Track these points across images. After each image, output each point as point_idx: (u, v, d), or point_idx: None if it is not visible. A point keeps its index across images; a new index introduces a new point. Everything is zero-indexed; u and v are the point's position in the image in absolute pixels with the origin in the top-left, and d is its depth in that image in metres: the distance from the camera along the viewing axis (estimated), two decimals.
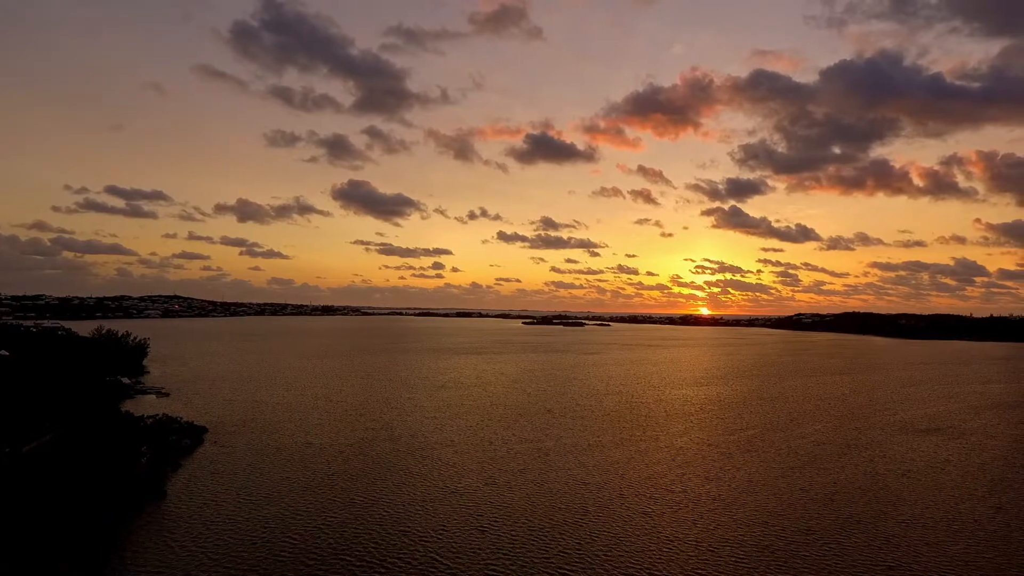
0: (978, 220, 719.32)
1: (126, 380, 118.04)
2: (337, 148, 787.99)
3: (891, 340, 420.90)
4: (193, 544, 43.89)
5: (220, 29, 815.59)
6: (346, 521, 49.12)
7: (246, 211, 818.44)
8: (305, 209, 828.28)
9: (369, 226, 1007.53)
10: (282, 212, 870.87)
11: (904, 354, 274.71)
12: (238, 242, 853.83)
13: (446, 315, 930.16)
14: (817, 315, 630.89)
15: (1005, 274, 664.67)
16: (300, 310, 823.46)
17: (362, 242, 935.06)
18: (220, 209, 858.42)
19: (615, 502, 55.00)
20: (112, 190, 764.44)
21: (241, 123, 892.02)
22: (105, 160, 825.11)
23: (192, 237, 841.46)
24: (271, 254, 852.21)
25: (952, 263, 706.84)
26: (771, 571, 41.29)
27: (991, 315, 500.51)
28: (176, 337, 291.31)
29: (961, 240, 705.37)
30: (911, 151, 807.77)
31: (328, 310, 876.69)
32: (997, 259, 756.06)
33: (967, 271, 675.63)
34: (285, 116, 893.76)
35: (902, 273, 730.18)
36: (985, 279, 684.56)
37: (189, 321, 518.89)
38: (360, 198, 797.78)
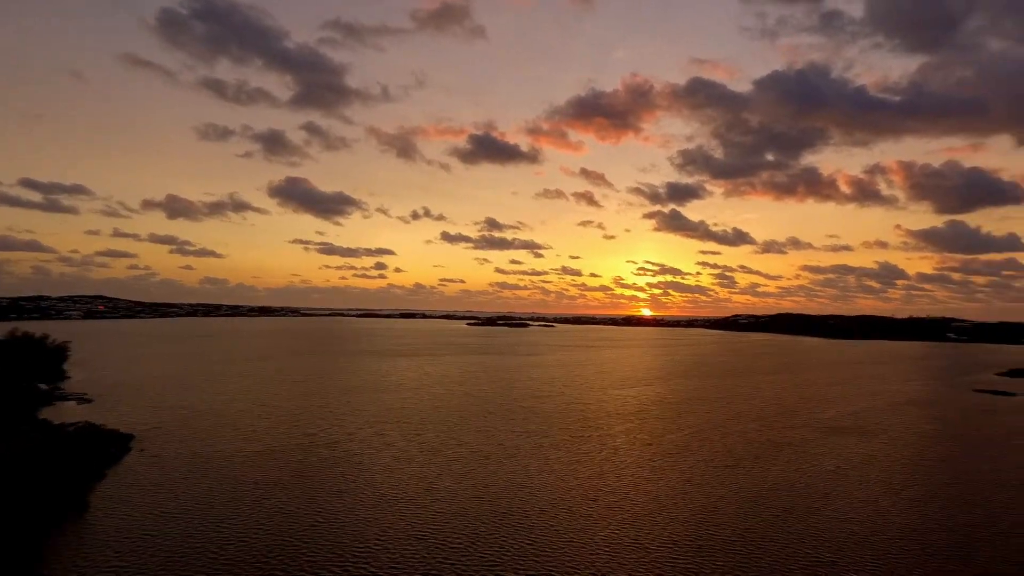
0: (899, 226, 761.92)
1: (43, 386, 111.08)
2: (273, 144, 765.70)
3: (821, 340, 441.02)
4: (116, 558, 41.50)
5: (146, 16, 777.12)
6: (279, 532, 47.47)
7: (176, 207, 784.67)
8: (240, 206, 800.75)
9: (308, 225, 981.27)
10: (215, 209, 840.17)
11: (832, 354, 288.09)
12: (167, 240, 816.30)
13: (389, 316, 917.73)
14: (753, 316, 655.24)
15: (923, 277, 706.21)
16: (236, 311, 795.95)
17: (301, 241, 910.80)
18: (147, 205, 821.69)
19: (556, 505, 55.22)
20: (28, 183, 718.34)
21: (170, 115, 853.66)
22: (20, 151, 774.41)
23: (117, 234, 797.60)
24: (204, 253, 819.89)
25: (876, 266, 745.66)
26: (708, 566, 42.25)
27: (910, 316, 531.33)
28: (100, 339, 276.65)
29: (884, 245, 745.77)
30: (839, 159, 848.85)
31: (265, 311, 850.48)
32: (916, 263, 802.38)
33: (889, 274, 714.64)
34: (217, 109, 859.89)
35: (830, 276, 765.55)
36: (905, 282, 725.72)
37: (114, 323, 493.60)
38: (298, 196, 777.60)
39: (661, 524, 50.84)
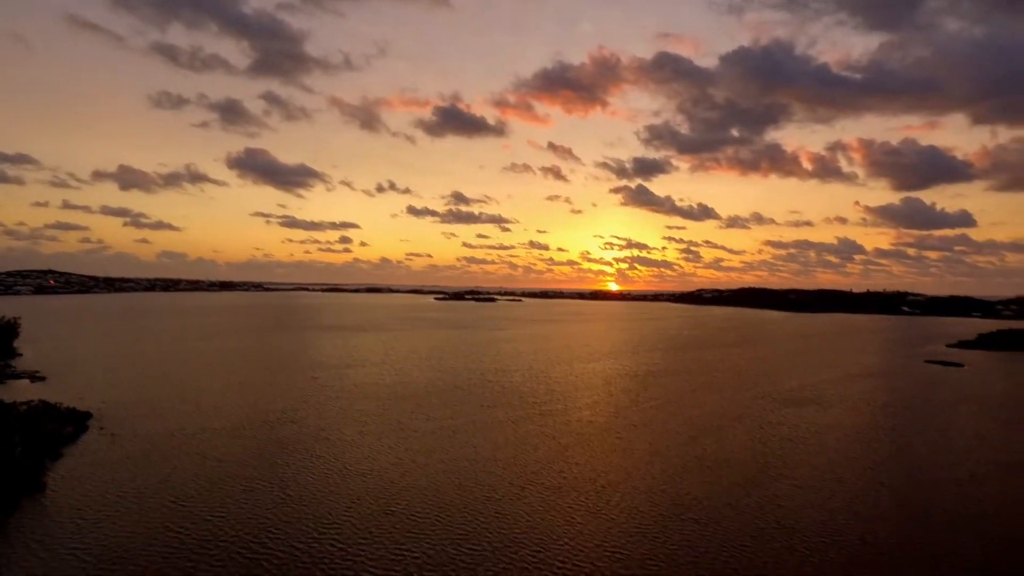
0: (857, 202, 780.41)
1: None
2: (231, 113, 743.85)
3: (782, 313, 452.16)
4: (75, 538, 40.54)
5: None
6: (245, 509, 46.95)
7: (129, 179, 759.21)
8: (197, 178, 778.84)
9: (269, 197, 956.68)
10: (171, 180, 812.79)
11: (792, 327, 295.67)
12: (121, 212, 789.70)
13: (355, 291, 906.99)
14: (717, 290, 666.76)
15: (880, 252, 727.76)
16: (195, 286, 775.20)
17: (262, 214, 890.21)
18: (98, 176, 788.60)
19: (524, 478, 55.81)
20: None
21: (120, 82, 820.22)
22: None
23: (67, 206, 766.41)
24: (160, 226, 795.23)
25: (835, 242, 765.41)
26: (673, 534, 43.31)
27: (868, 290, 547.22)
28: (53, 316, 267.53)
29: (843, 221, 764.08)
30: (801, 136, 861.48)
31: (227, 286, 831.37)
32: (873, 238, 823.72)
33: (848, 249, 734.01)
34: (171, 76, 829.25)
35: (792, 251, 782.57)
36: (863, 257, 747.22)
37: (67, 298, 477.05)
38: (258, 167, 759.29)
39: (627, 494, 51.85)
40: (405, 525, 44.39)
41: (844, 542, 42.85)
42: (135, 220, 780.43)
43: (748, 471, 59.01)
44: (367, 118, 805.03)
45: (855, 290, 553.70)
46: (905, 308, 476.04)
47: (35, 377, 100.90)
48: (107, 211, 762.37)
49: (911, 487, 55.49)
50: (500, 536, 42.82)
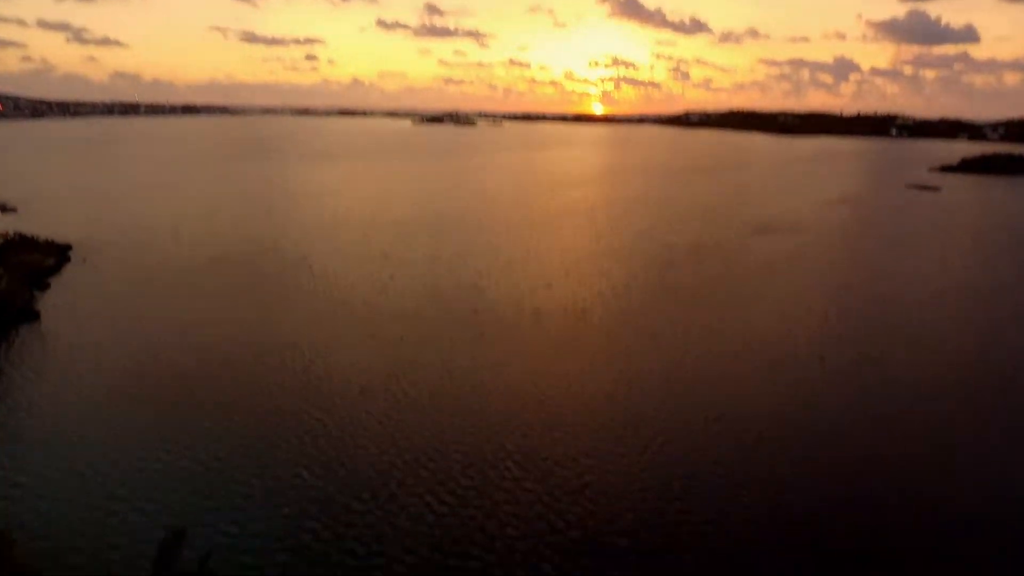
0: (860, 15, 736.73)
1: None
2: None
3: (770, 137, 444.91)
4: (70, 368, 41.92)
5: None
6: (233, 338, 48.39)
7: None
8: None
9: (222, 8, 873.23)
10: None
11: (778, 152, 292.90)
12: (60, 26, 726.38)
13: (327, 114, 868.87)
14: (704, 113, 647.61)
15: (876, 71, 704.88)
16: (156, 110, 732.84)
17: (218, 28, 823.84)
18: None
19: (506, 302, 57.55)
20: None
21: None
22: None
23: None
24: (106, 42, 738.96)
25: (831, 60, 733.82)
26: (648, 355, 45.94)
27: (858, 113, 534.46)
28: (8, 143, 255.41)
29: (842, 36, 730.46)
30: None
31: (189, 110, 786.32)
32: (871, 56, 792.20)
33: (843, 68, 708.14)
34: None
35: (786, 69, 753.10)
36: (858, 76, 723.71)
37: (19, 125, 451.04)
38: None
39: (602, 320, 54.14)
40: (390, 348, 46.39)
41: (807, 360, 45.91)
42: (77, 35, 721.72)
43: (721, 296, 61.44)
44: None
45: (845, 112, 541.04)
46: (894, 131, 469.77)
47: (5, 208, 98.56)
48: (44, 25, 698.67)
49: (873, 309, 58.49)
50: (483, 356, 45.08)
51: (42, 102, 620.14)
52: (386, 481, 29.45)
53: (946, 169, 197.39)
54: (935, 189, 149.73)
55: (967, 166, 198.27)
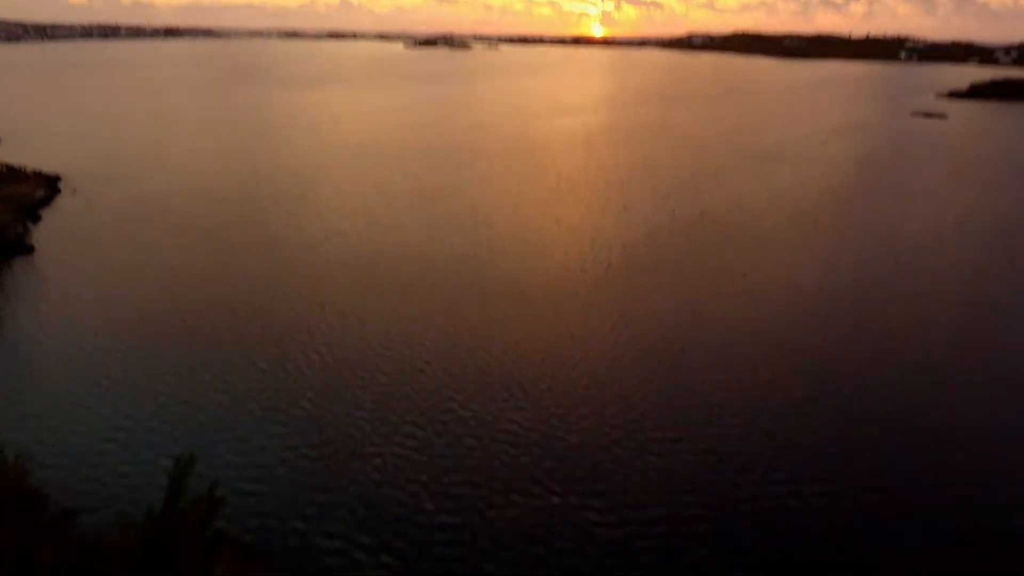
0: None
1: None
2: None
3: (776, 61, 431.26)
4: (67, 301, 41.86)
5: None
6: (229, 271, 48.16)
7: None
8: None
9: None
10: None
11: (782, 77, 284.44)
12: None
13: (316, 37, 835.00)
14: (708, 36, 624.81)
15: None
16: (137, 34, 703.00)
17: None
18: None
19: (504, 234, 57.10)
20: None
21: None
22: None
23: None
24: None
25: None
26: (642, 283, 45.98)
27: (867, 35, 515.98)
28: None
29: None
30: None
31: (172, 32, 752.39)
32: None
33: None
34: None
35: None
36: None
37: None
38: None
39: (599, 249, 53.82)
40: (388, 282, 46.28)
41: (801, 290, 46.08)
42: None
43: (718, 227, 60.93)
44: None
45: (854, 35, 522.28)
46: (903, 54, 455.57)
47: None
48: None
49: (870, 241, 58.19)
50: (482, 289, 45.10)
51: (18, 24, 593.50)
52: (386, 408, 30.00)
53: (955, 95, 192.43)
54: (942, 117, 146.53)
55: (977, 92, 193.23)
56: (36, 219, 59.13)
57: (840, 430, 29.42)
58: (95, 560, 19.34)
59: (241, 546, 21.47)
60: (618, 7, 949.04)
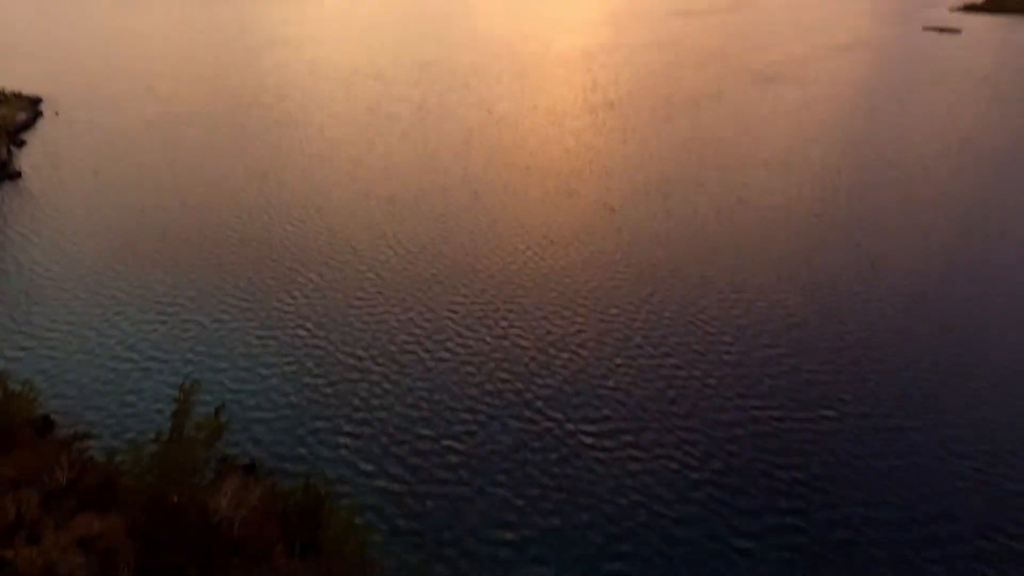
0: None
1: None
2: None
3: None
4: (57, 227, 41.54)
5: None
6: (223, 198, 47.49)
7: None
8: None
9: None
10: None
11: None
12: None
13: None
14: None
15: None
16: None
17: None
18: None
19: (499, 158, 56.10)
20: None
21: None
22: None
23: None
24: None
25: None
26: (638, 209, 45.67)
27: None
28: None
29: None
30: None
31: None
32: None
33: None
34: None
35: None
36: None
37: None
38: None
39: (598, 175, 53.12)
40: (383, 206, 45.82)
41: (797, 216, 45.84)
42: None
43: (718, 151, 59.80)
44: None
45: None
46: None
47: None
48: None
49: (873, 169, 57.18)
50: (477, 213, 44.68)
51: None
52: (385, 330, 30.42)
53: (969, 8, 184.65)
54: (955, 32, 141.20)
55: (993, 5, 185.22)
56: (20, 144, 57.93)
57: (831, 338, 29.97)
58: (109, 480, 20.22)
59: (246, 467, 22.38)
60: None
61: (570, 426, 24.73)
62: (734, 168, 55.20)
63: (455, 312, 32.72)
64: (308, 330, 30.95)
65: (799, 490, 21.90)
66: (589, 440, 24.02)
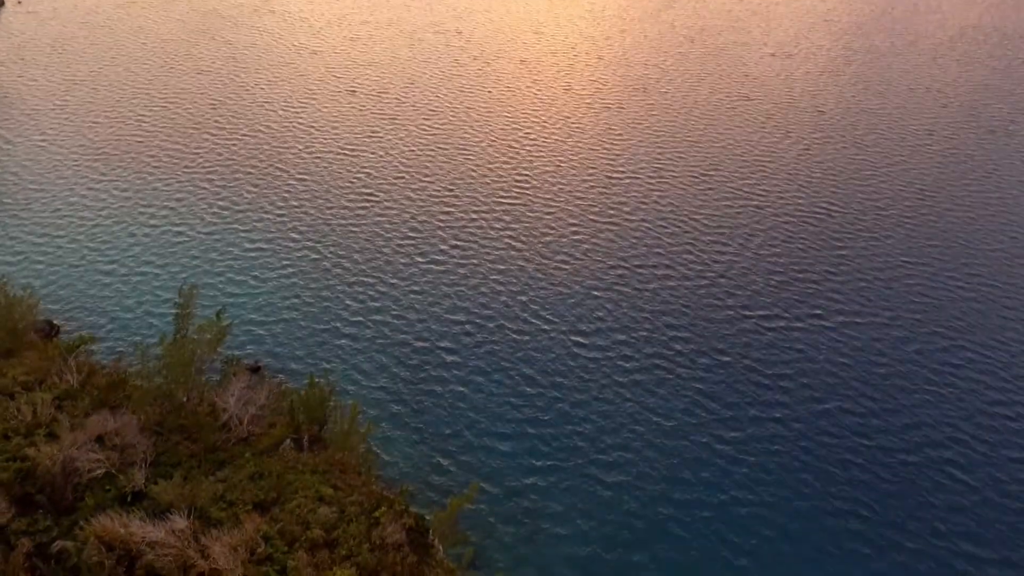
0: None
1: None
2: None
3: None
4: (38, 125, 40.03)
5: None
6: (201, 89, 45.79)
7: None
8: None
9: None
10: None
11: None
12: None
13: None
14: None
15: None
16: None
17: None
18: None
19: (493, 52, 53.91)
20: None
21: None
22: None
23: None
24: None
25: None
26: (631, 110, 44.57)
27: None
28: None
29: None
30: None
31: None
32: None
33: None
34: None
35: None
36: None
37: None
38: None
39: (595, 69, 51.72)
40: (370, 104, 44.39)
41: (800, 111, 44.79)
42: None
43: (719, 42, 57.48)
44: None
45: None
46: None
47: None
48: None
49: (875, 93, 53.67)
50: (473, 110, 43.44)
51: None
52: (381, 237, 30.42)
53: None
54: None
55: None
56: None
57: (820, 296, 30.41)
58: (118, 381, 20.82)
59: (252, 368, 23.01)
60: None
61: (564, 327, 25.37)
62: (732, 66, 53.15)
63: (450, 214, 32.60)
64: (304, 234, 30.84)
65: (784, 392, 22.91)
66: (583, 340, 24.75)
